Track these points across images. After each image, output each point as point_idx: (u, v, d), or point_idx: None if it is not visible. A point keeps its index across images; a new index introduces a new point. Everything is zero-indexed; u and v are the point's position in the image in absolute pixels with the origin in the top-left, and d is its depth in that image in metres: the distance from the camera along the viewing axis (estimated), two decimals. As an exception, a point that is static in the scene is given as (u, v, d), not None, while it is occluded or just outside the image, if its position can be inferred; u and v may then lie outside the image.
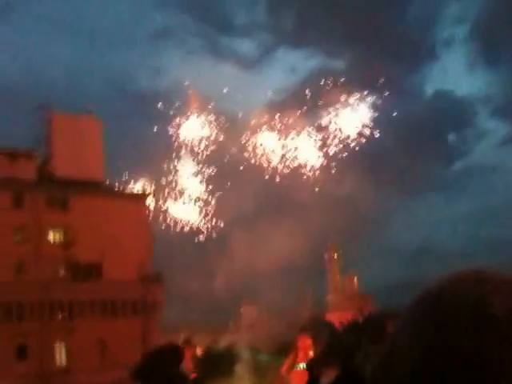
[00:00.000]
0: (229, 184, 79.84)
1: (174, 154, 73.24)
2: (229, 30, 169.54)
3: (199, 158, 71.59)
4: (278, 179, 76.68)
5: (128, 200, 52.18)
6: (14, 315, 45.47)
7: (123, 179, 55.08)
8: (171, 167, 73.71)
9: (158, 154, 76.51)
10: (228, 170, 79.52)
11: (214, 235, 71.83)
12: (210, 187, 77.84)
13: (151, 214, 56.37)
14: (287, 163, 76.80)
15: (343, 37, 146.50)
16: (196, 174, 73.10)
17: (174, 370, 3.73)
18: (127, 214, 51.69)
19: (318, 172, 74.91)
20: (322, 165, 75.96)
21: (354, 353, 8.62)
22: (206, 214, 72.52)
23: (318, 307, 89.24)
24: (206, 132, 70.74)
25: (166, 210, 70.78)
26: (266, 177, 74.94)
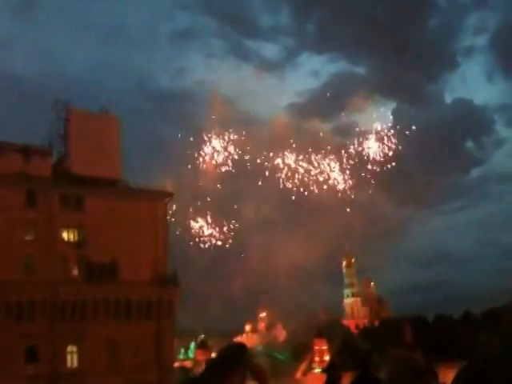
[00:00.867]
0: (248, 192, 79.50)
1: (195, 160, 73.25)
2: (252, 33, 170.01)
3: (220, 163, 71.65)
4: (300, 190, 76.13)
5: (144, 200, 51.55)
6: (24, 315, 44.96)
7: (141, 179, 54.79)
8: (192, 171, 73.71)
9: (180, 157, 76.57)
10: (248, 179, 79.23)
11: (231, 241, 71.67)
12: (230, 194, 77.52)
13: (168, 216, 56.23)
14: (309, 176, 76.27)
15: (365, 43, 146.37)
16: (217, 181, 73.10)
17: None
18: (143, 213, 51.12)
19: (338, 182, 74.41)
20: (342, 175, 75.04)
21: (370, 357, 8.21)
22: (225, 220, 72.14)
23: (334, 311, 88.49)
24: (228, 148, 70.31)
25: (185, 213, 70.72)
26: (285, 186, 74.49)
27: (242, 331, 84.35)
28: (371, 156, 71.31)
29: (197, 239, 70.99)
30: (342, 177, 73.13)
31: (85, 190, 49.14)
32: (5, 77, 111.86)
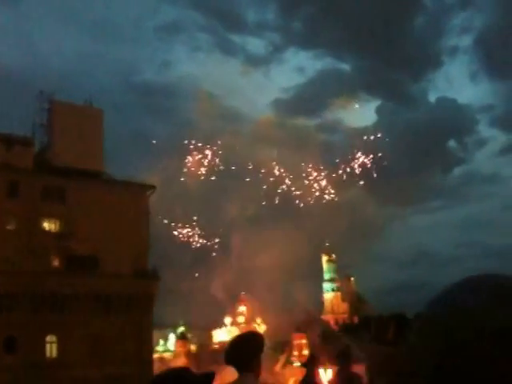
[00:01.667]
0: (232, 189, 79.78)
1: (180, 155, 73.28)
2: (238, 28, 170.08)
3: (206, 160, 71.79)
4: (281, 188, 76.55)
5: (127, 192, 51.56)
6: (3, 305, 44.86)
7: (124, 172, 54.94)
8: (177, 165, 73.76)
9: (164, 150, 76.66)
10: (233, 177, 79.45)
11: (213, 238, 71.97)
12: (214, 191, 77.61)
13: (151, 209, 56.29)
14: (291, 174, 76.74)
15: (351, 41, 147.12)
16: (203, 176, 73.17)
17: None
18: (126, 206, 51.11)
19: (321, 180, 74.80)
20: (324, 173, 75.61)
21: (350, 352, 8.39)
22: (208, 217, 72.22)
23: (314, 307, 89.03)
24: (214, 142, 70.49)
25: (168, 207, 70.75)
26: (269, 185, 74.92)
27: (221, 325, 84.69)
28: (355, 155, 71.88)
29: (180, 236, 71.16)
30: (325, 175, 73.65)
31: (67, 182, 49.05)
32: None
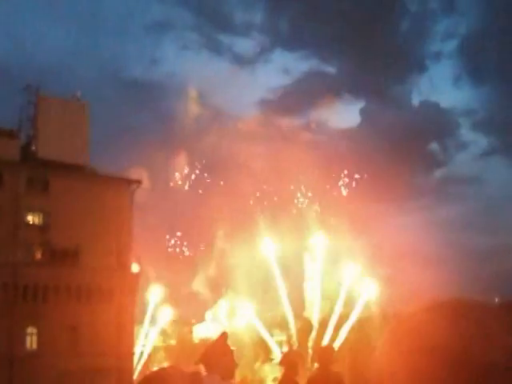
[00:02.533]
0: (217, 189, 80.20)
1: (167, 150, 73.53)
2: (226, 28, 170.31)
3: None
4: (266, 186, 77.05)
5: (111, 186, 51.66)
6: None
7: (110, 167, 55.00)
8: (162, 161, 74.04)
9: (150, 146, 76.79)
10: (218, 176, 79.85)
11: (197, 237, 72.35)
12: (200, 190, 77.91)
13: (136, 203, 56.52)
14: (277, 172, 77.24)
15: (337, 43, 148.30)
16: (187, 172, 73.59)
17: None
18: (109, 200, 51.15)
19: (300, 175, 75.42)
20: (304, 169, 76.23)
21: (331, 350, 8.64)
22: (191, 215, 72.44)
23: (295, 304, 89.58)
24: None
25: (152, 201, 70.90)
26: (254, 182, 75.40)
27: (202, 320, 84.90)
28: (339, 153, 72.58)
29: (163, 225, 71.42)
30: (308, 174, 74.31)
31: (51, 174, 49.11)
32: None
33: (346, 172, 76.78)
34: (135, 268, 52.77)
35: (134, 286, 51.88)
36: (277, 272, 76.65)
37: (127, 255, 52.25)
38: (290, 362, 8.20)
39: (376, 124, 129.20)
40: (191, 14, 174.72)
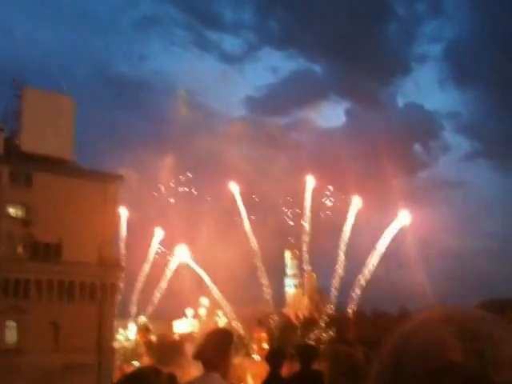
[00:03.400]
0: (202, 190, 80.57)
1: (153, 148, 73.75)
2: (215, 25, 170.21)
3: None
4: (251, 186, 77.51)
5: (94, 181, 51.51)
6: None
7: (96, 163, 55.10)
8: (149, 160, 74.31)
9: (137, 146, 76.72)
10: (203, 174, 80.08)
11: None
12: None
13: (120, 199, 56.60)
14: (260, 171, 77.75)
15: (324, 43, 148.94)
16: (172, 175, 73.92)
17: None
18: (93, 195, 51.06)
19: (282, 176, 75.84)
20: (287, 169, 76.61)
21: (315, 349, 8.81)
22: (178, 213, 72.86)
23: (276, 302, 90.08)
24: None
25: (136, 199, 71.07)
26: (238, 181, 75.86)
27: (182, 316, 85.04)
28: (323, 153, 73.16)
29: (148, 223, 71.57)
30: (290, 173, 74.89)
31: (34, 168, 48.92)
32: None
33: (331, 189, 78.02)
34: (118, 263, 52.81)
35: (115, 281, 51.90)
36: (260, 268, 77.30)
37: (109, 250, 52.28)
38: (275, 357, 8.15)
39: (361, 124, 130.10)
40: (179, 11, 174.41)
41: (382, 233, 79.87)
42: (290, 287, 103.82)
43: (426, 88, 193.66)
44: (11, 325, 47.10)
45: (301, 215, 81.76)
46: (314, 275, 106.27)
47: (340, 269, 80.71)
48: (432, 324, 0.73)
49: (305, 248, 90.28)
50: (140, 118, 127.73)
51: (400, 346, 0.73)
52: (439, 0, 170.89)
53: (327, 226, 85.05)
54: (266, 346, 67.01)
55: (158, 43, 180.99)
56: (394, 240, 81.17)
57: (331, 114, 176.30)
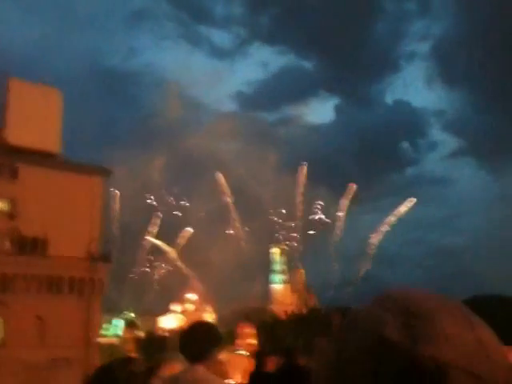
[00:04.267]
0: (191, 187, 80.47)
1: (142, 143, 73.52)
2: (205, 20, 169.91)
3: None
4: (238, 185, 77.52)
5: (81, 175, 51.05)
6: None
7: (85, 158, 54.78)
8: (135, 155, 73.92)
9: (124, 137, 76.42)
10: (193, 172, 79.83)
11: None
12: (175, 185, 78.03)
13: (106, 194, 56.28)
14: (249, 169, 77.70)
15: (315, 40, 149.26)
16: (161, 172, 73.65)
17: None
18: (80, 188, 50.62)
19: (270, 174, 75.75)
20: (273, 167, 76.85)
21: (295, 348, 8.76)
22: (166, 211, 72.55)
23: (263, 298, 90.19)
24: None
25: (124, 194, 70.71)
26: (226, 178, 75.68)
27: (168, 311, 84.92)
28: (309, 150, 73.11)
29: (135, 218, 71.20)
30: (279, 169, 74.79)
31: (20, 161, 48.41)
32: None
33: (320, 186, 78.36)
34: (104, 258, 52.40)
35: (102, 276, 51.53)
36: (248, 263, 77.27)
37: (96, 245, 51.89)
38: (261, 354, 8.18)
39: (350, 120, 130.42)
40: (170, 5, 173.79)
41: (371, 230, 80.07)
42: (278, 283, 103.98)
43: (414, 86, 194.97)
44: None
45: (290, 212, 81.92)
46: (303, 271, 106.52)
47: (329, 266, 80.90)
48: (373, 305, 0.76)
49: (294, 244, 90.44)
50: (129, 112, 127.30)
51: (345, 327, 0.75)
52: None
53: (317, 222, 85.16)
54: (252, 341, 66.89)
55: (148, 37, 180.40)
56: (383, 237, 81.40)
57: (321, 110, 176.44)
